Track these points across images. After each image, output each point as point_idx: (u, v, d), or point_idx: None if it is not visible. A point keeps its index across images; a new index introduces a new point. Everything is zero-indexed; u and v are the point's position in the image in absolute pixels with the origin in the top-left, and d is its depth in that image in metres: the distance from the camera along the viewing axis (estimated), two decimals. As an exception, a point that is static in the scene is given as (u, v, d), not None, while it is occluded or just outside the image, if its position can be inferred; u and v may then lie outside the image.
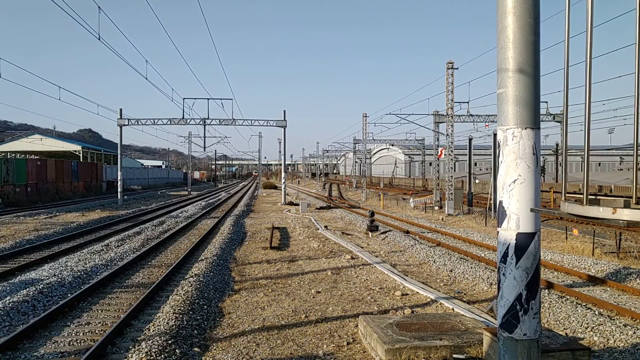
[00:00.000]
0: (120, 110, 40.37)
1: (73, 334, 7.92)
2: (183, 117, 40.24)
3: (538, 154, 4.25)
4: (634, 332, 7.98)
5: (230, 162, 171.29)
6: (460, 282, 12.50)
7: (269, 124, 41.68)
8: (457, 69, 30.83)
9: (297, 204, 37.44)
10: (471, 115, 36.50)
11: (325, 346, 7.43)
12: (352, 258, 14.98)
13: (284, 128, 41.89)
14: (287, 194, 45.42)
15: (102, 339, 7.28)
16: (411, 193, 49.14)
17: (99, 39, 21.01)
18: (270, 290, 11.12)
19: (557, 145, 53.20)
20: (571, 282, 12.10)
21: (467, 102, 35.97)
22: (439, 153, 36.53)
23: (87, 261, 13.93)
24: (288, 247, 17.48)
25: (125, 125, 40.52)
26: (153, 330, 7.77)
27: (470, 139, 34.72)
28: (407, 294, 10.70)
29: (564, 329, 8.55)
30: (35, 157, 64.88)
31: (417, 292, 10.75)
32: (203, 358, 7.04)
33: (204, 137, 47.34)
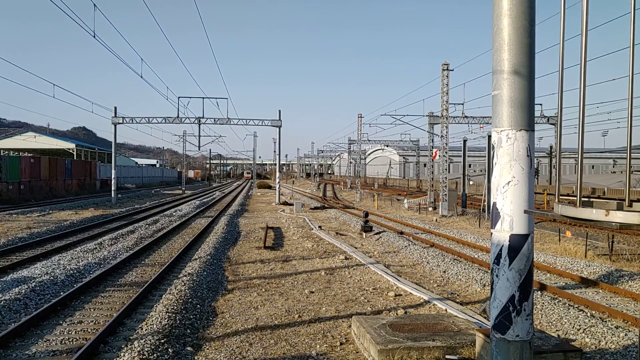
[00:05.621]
0: (115, 108, 40.23)
1: (65, 333, 7.88)
2: (178, 116, 40.14)
3: (532, 155, 4.26)
4: (626, 334, 8.02)
5: (225, 162, 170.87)
6: (453, 283, 12.53)
7: (264, 124, 41.65)
8: (453, 70, 30.93)
9: (291, 204, 37.41)
10: (466, 116, 36.60)
11: (318, 346, 7.43)
12: (346, 258, 14.98)
13: (279, 128, 41.85)
14: (282, 194, 45.39)
15: (94, 338, 7.25)
16: (405, 194, 49.22)
17: (94, 37, 20.92)
18: (263, 290, 11.11)
19: (551, 147, 53.47)
20: (564, 283, 12.15)
21: (462, 104, 36.08)
22: (434, 154, 36.61)
23: (80, 259, 13.86)
24: (282, 247, 17.47)
25: (119, 123, 40.36)
26: (146, 329, 7.74)
27: (464, 141, 34.81)
28: (401, 295, 10.71)
29: (556, 330, 8.59)
30: (29, 154, 64.50)
31: (411, 293, 10.76)
32: (196, 357, 7.02)
33: (199, 136, 47.30)
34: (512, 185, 4.22)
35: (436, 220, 28.19)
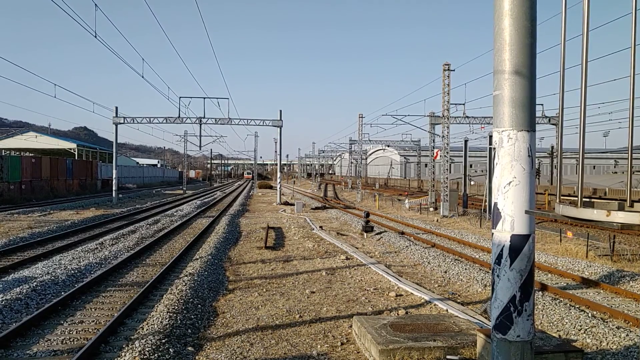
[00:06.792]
0: (116, 108, 40.27)
1: (66, 333, 7.89)
2: (179, 116, 40.14)
3: (533, 156, 4.26)
4: (627, 335, 8.01)
5: (226, 162, 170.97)
6: (454, 284, 12.52)
7: (265, 124, 41.64)
8: (454, 70, 30.91)
9: (292, 204, 37.41)
10: (467, 117, 36.58)
11: (319, 346, 7.43)
12: (347, 258, 14.98)
13: (280, 128, 41.83)
14: (283, 194, 45.38)
15: (95, 338, 7.25)
16: (406, 194, 49.19)
17: (96, 37, 20.93)
18: (264, 290, 11.11)
19: (552, 147, 53.44)
20: (565, 284, 12.14)
21: (463, 104, 36.07)
22: (435, 154, 36.60)
23: (81, 259, 13.87)
24: (283, 247, 17.47)
25: (120, 123, 40.39)
26: (147, 329, 7.75)
27: (466, 141, 34.78)
28: (402, 295, 10.71)
29: (557, 330, 8.58)
30: (30, 154, 64.55)
31: (412, 293, 10.76)
32: (197, 357, 7.03)
33: (200, 136, 47.31)
34: (513, 185, 4.22)
35: (437, 220, 28.18)
